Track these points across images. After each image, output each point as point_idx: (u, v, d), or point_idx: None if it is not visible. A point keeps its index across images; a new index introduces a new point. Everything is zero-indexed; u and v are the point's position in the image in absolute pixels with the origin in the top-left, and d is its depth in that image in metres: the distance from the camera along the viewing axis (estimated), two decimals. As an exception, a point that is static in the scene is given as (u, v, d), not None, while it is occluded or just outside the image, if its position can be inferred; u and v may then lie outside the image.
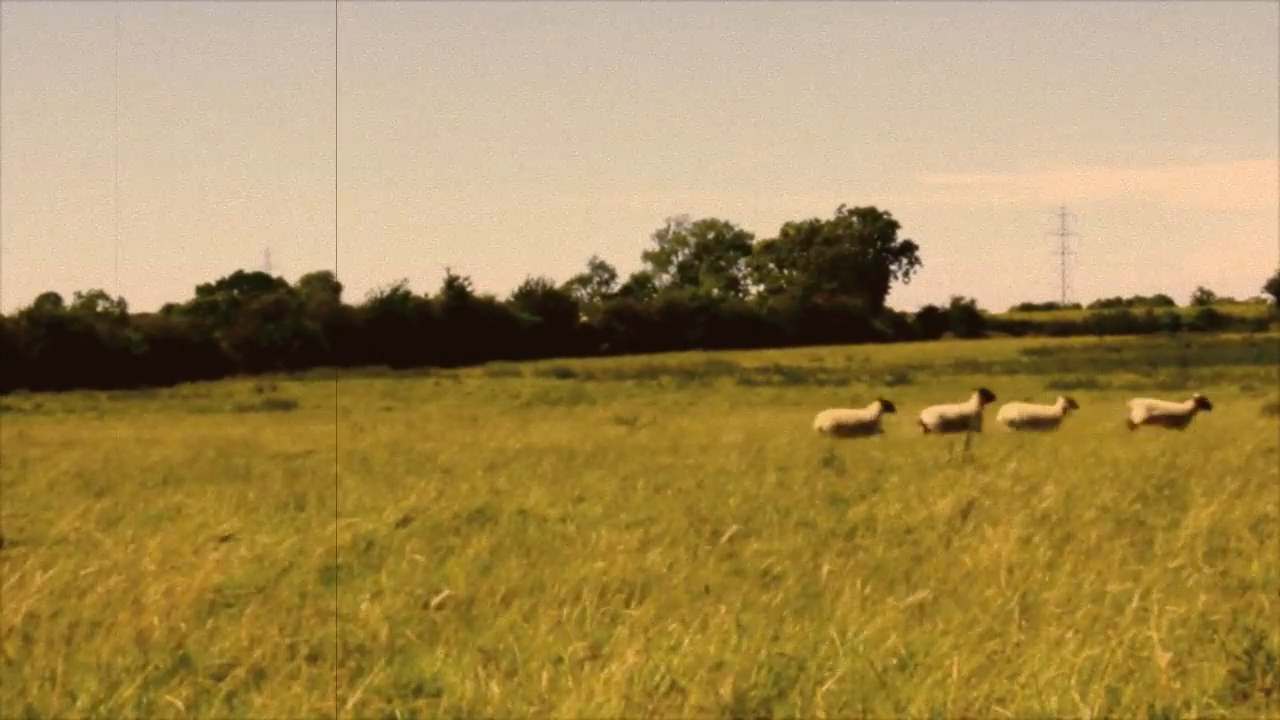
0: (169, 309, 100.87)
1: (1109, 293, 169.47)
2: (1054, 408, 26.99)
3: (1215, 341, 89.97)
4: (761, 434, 26.10)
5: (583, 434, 27.67)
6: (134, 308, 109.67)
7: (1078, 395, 37.48)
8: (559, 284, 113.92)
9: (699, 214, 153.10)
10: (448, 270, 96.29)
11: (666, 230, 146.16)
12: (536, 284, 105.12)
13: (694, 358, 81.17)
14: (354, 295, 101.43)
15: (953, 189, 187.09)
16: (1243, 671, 7.07)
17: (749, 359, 77.58)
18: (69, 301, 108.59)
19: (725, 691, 6.83)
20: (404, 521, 12.73)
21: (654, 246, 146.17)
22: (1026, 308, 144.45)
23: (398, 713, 6.84)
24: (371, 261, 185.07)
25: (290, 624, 8.41)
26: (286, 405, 51.47)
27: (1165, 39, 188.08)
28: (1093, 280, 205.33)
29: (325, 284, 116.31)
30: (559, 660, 7.45)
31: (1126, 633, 7.61)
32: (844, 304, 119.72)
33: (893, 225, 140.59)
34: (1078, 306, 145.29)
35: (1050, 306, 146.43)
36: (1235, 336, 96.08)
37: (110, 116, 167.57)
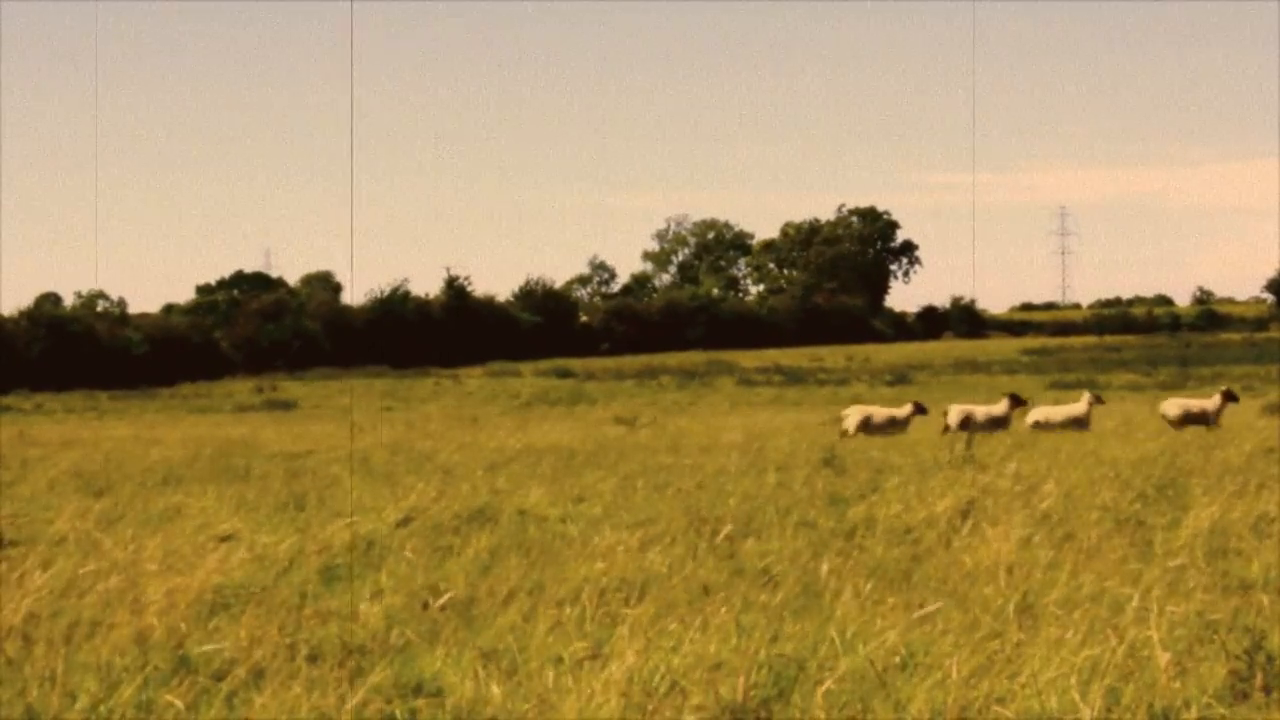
0: (169, 309, 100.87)
1: (1109, 293, 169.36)
2: (1080, 406, 26.89)
3: (1215, 341, 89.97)
4: (761, 434, 26.09)
5: (583, 434, 27.67)
6: (134, 308, 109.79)
7: (1077, 396, 37.44)
8: (559, 284, 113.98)
9: (699, 214, 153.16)
10: (448, 270, 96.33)
11: (666, 230, 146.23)
12: (536, 284, 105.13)
13: (694, 358, 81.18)
14: (354, 295, 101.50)
15: (953, 189, 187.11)
16: (1243, 671, 7.07)
17: (749, 359, 77.58)
18: (69, 301, 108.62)
19: (725, 691, 6.83)
20: (404, 521, 12.73)
21: (654, 246, 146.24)
22: (1026, 308, 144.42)
23: (398, 713, 6.84)
24: (371, 262, 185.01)
25: (290, 624, 8.41)
26: (286, 405, 51.48)
27: (1165, 39, 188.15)
28: (1093, 280, 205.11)
29: (325, 284, 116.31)
30: (559, 660, 7.45)
31: (1126, 633, 7.61)
32: (844, 304, 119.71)
33: (893, 225, 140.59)
34: (1078, 306, 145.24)
35: (1050, 306, 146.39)
36: (1235, 336, 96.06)
37: (111, 117, 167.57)
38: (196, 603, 8.97)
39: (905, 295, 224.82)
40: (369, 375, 69.74)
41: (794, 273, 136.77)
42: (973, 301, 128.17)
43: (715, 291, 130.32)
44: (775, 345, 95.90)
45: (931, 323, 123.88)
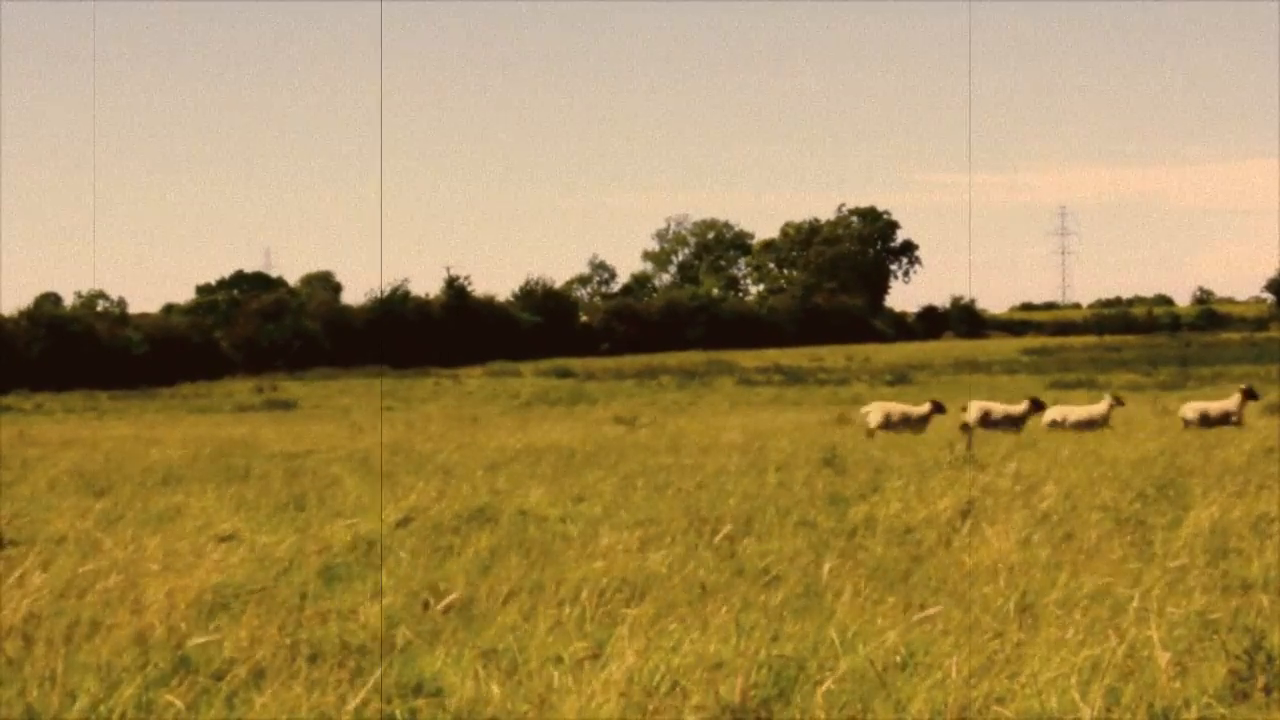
0: (169, 309, 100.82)
1: (1109, 292, 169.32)
2: (1100, 406, 26.89)
3: (1215, 341, 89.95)
4: (761, 434, 26.09)
5: (583, 434, 27.67)
6: (134, 307, 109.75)
7: (1078, 395, 37.52)
8: (559, 284, 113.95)
9: (699, 213, 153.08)
10: (448, 270, 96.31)
11: (666, 230, 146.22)
12: (536, 284, 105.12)
13: (694, 357, 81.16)
14: (354, 295, 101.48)
15: (953, 189, 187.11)
16: (1243, 671, 7.07)
17: (749, 359, 77.58)
18: (69, 301, 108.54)
19: (725, 691, 6.83)
20: (404, 521, 12.73)
21: (654, 246, 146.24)
22: (1026, 307, 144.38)
23: (398, 712, 6.84)
24: (371, 262, 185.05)
25: (290, 624, 8.41)
26: (286, 405, 51.48)
27: (1165, 39, 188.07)
28: (1093, 280, 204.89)
29: (325, 284, 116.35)
30: (559, 660, 7.45)
31: (1127, 632, 7.61)
32: (844, 304, 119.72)
33: (893, 225, 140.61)
34: (1078, 306, 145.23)
35: (1050, 306, 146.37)
36: (1235, 336, 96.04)
37: (110, 116, 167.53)
38: (196, 603, 8.97)
39: (905, 295, 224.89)
40: (369, 375, 69.74)
41: (794, 273, 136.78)
42: (973, 301, 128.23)
43: (715, 291, 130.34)
44: (775, 345, 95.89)
45: (931, 323, 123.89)
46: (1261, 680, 7.00)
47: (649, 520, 12.37)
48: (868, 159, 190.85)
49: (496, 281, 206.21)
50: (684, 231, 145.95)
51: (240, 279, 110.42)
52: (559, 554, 10.73)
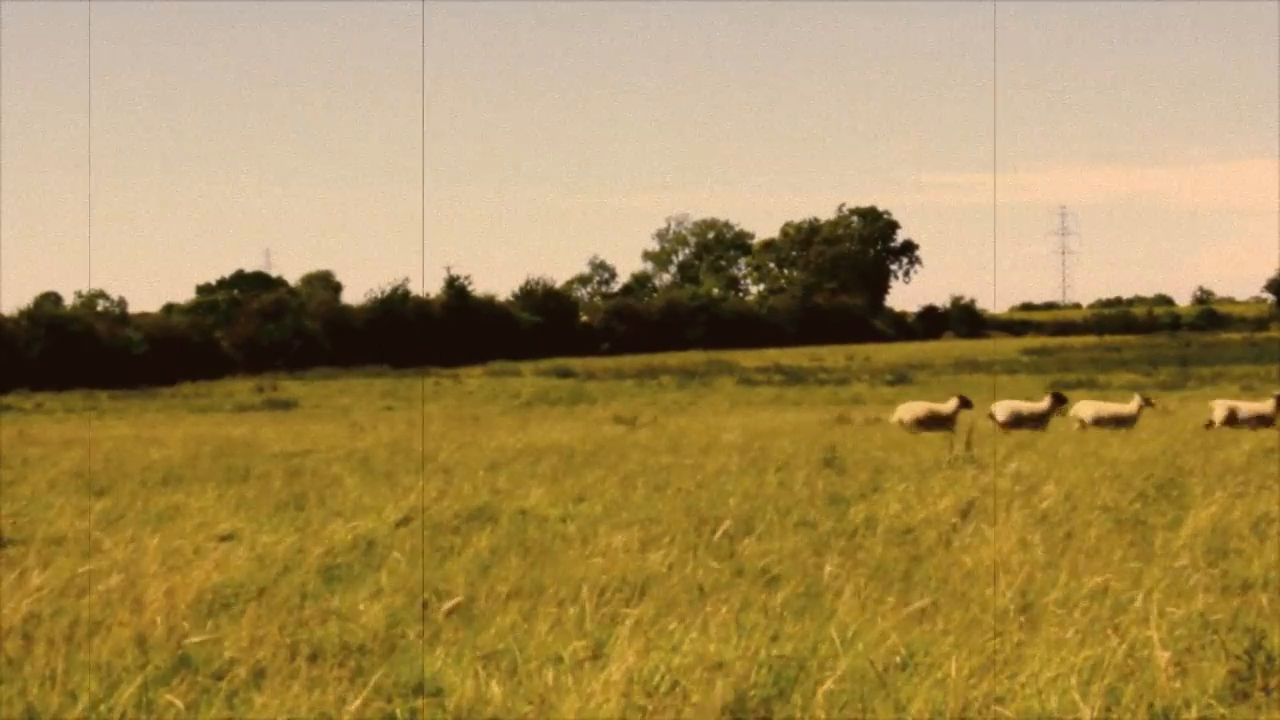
0: (169, 308, 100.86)
1: (1109, 292, 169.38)
2: (1130, 406, 26.89)
3: (1215, 341, 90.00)
4: (762, 434, 26.09)
5: (583, 433, 27.67)
6: (134, 307, 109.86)
7: (1078, 395, 37.48)
8: (559, 283, 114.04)
9: (699, 213, 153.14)
10: (448, 270, 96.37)
11: (667, 230, 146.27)
12: (537, 283, 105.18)
13: (694, 357, 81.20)
14: (354, 295, 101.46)
15: (953, 188, 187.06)
16: (1243, 671, 7.07)
17: (749, 358, 77.60)
18: (69, 301, 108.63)
19: (725, 691, 6.83)
20: (404, 521, 12.73)
21: (654, 246, 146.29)
22: (1026, 307, 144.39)
23: (398, 712, 6.84)
24: (371, 261, 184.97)
25: (290, 624, 8.41)
26: (287, 405, 51.51)
27: (1165, 39, 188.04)
28: (1093, 280, 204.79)
29: (325, 284, 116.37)
30: (559, 660, 7.45)
31: (1127, 632, 7.61)
32: (844, 304, 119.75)
33: (893, 225, 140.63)
34: (1078, 306, 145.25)
35: (1050, 306, 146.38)
36: (1235, 336, 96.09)
37: (110, 116, 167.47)
38: (197, 602, 8.97)
39: (905, 295, 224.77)
40: (369, 375, 69.76)
41: (794, 273, 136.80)
42: (973, 301, 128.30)
43: (715, 291, 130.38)
44: (775, 345, 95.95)
45: (932, 322, 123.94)
46: (1261, 680, 7.01)
47: (649, 520, 12.37)
48: (868, 159, 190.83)
49: (497, 281, 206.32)
50: (684, 231, 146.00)
51: (240, 279, 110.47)
52: (559, 554, 10.73)
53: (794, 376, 63.14)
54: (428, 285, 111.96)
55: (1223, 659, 7.23)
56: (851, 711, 6.73)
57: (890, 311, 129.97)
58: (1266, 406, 26.44)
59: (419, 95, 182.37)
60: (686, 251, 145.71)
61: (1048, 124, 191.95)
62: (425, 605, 8.94)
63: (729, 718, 6.70)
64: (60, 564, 10.33)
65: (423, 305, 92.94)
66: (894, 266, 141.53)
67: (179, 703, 6.87)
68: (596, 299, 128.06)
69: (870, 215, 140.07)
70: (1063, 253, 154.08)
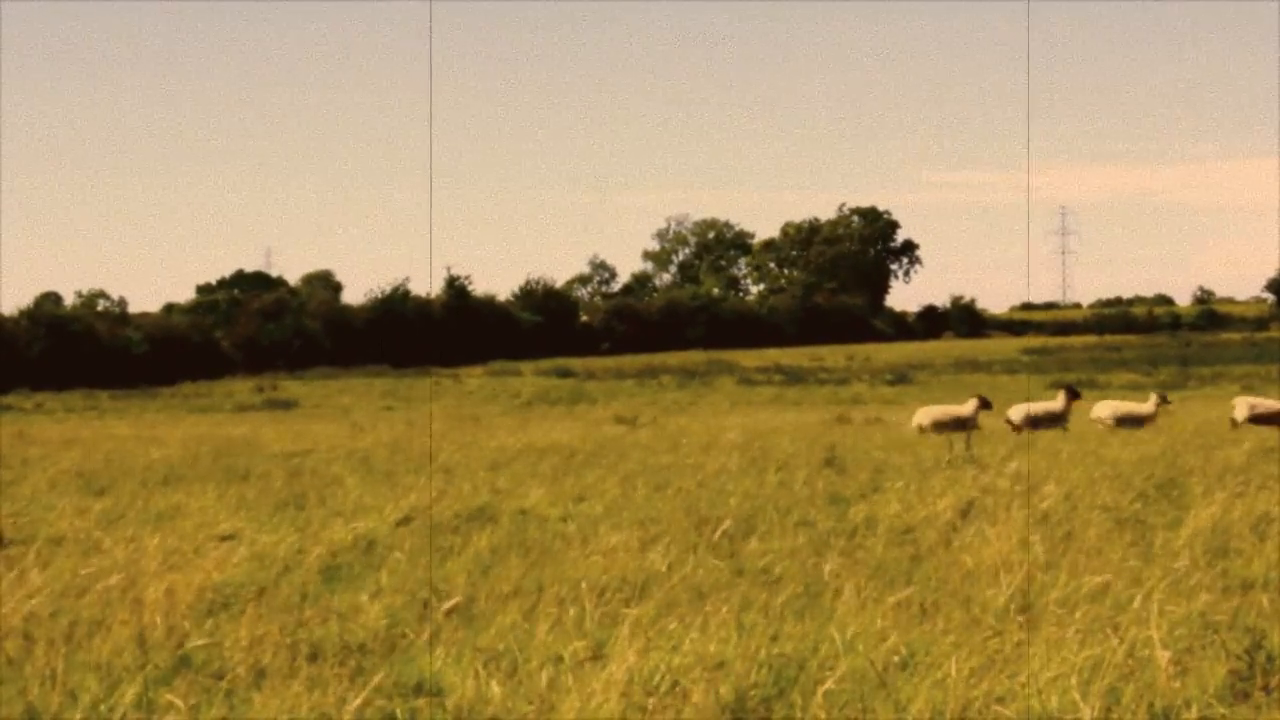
0: (169, 308, 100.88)
1: (1109, 292, 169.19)
2: (1148, 405, 26.85)
3: (1215, 341, 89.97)
4: (762, 433, 26.09)
5: (583, 433, 27.67)
6: (134, 307, 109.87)
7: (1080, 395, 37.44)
8: (559, 283, 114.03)
9: (699, 213, 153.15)
10: (448, 270, 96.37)
11: (667, 229, 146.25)
12: (537, 283, 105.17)
13: (694, 357, 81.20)
14: (354, 295, 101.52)
15: (953, 188, 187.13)
16: (1243, 671, 7.07)
17: (749, 358, 77.60)
18: (69, 301, 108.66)
19: (725, 691, 6.83)
20: (404, 521, 12.74)
21: (654, 246, 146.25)
22: (1027, 307, 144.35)
23: (398, 712, 6.84)
24: (371, 261, 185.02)
25: (290, 623, 8.41)
26: (287, 405, 51.51)
27: (1166, 38, 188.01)
28: (1093, 280, 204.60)
29: (325, 283, 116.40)
30: (559, 660, 7.45)
31: (1127, 632, 7.61)
32: (844, 303, 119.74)
33: (893, 225, 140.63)
34: (1078, 306, 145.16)
35: (1050, 306, 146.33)
36: (1235, 336, 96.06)
37: (111, 116, 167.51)
38: (197, 602, 8.97)
39: (906, 295, 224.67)
40: (369, 375, 69.77)
41: (794, 272, 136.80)
42: (973, 301, 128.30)
43: (716, 291, 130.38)
44: (776, 345, 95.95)
45: (932, 322, 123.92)
46: (1262, 680, 7.01)
47: (649, 520, 12.37)
48: (868, 159, 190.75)
49: (497, 281, 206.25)
50: (684, 231, 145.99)
51: (241, 278, 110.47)
52: (559, 553, 10.73)
53: (794, 376, 63.14)
54: (428, 285, 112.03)
55: (1223, 659, 7.23)
56: (851, 711, 6.73)
57: (890, 311, 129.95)
58: None
59: (419, 95, 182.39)
60: (687, 251, 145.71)
61: (1048, 124, 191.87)
62: (426, 605, 8.94)
63: (729, 717, 6.70)
64: (60, 564, 10.33)
65: (423, 305, 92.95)
66: (894, 266, 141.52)
67: (179, 702, 6.87)
68: (597, 299, 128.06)
69: (870, 215, 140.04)
70: (1063, 252, 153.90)
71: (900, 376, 61.20)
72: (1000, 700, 6.77)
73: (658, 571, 9.81)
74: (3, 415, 44.43)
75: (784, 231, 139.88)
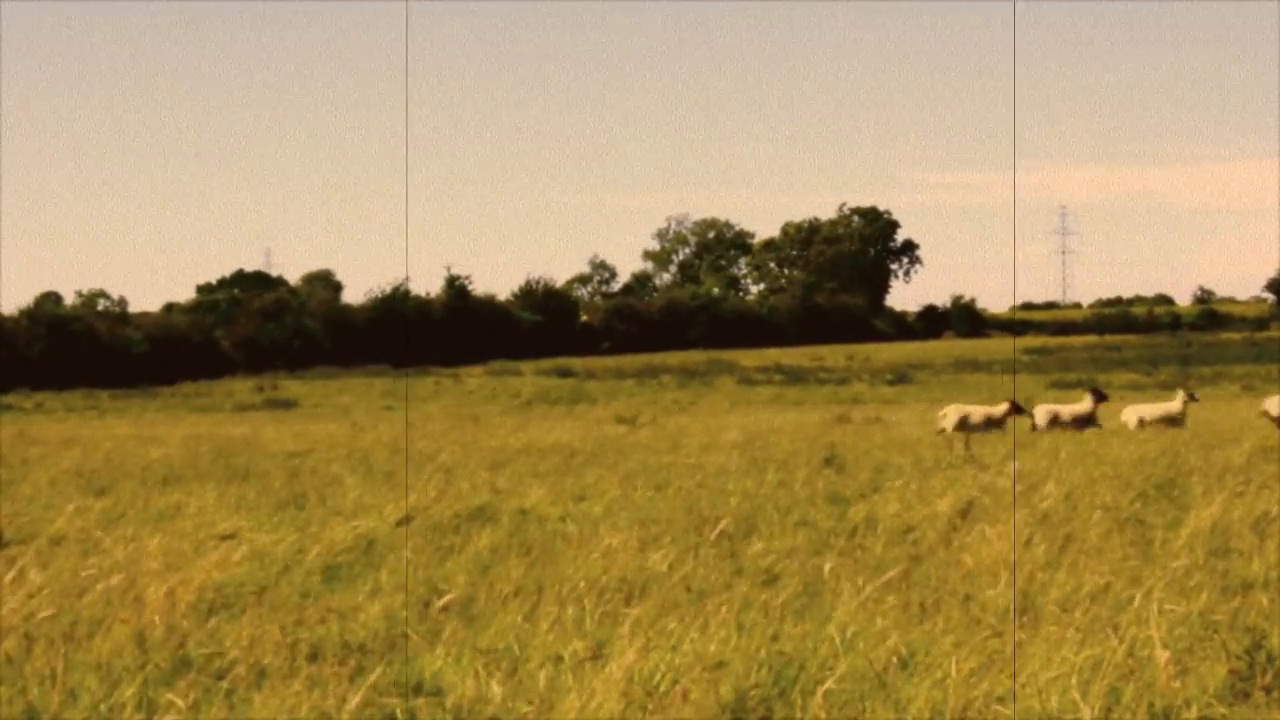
0: (169, 308, 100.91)
1: (1109, 292, 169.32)
2: (1174, 403, 26.78)
3: (1216, 341, 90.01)
4: (762, 433, 26.10)
5: (583, 433, 27.67)
6: (134, 306, 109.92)
7: (1079, 395, 37.44)
8: (560, 283, 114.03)
9: (699, 213, 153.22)
10: (448, 269, 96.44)
11: (667, 229, 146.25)
12: (537, 283, 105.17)
13: (694, 357, 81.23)
14: (354, 295, 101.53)
15: (953, 188, 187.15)
16: (1243, 671, 7.07)
17: (749, 358, 77.61)
18: (69, 300, 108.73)
19: (725, 691, 6.83)
20: (404, 520, 12.73)
21: (654, 245, 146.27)
22: (1027, 307, 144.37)
23: (398, 712, 6.84)
24: (371, 261, 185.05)
25: (291, 623, 8.41)
26: (287, 404, 51.55)
27: (1166, 38, 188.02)
28: (1093, 279, 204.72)
29: (325, 283, 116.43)
30: (559, 659, 7.45)
31: (1127, 632, 7.61)
32: (845, 303, 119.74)
33: (893, 225, 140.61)
34: (1078, 306, 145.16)
35: (1051, 306, 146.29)
36: (1236, 336, 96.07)
37: (111, 115, 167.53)
38: (197, 601, 8.97)
39: (906, 294, 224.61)
40: (369, 374, 69.79)
41: (794, 272, 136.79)
42: (973, 301, 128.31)
43: (716, 291, 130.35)
44: (776, 344, 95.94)
45: (932, 322, 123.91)
46: (1262, 680, 7.00)
47: (649, 519, 12.37)
48: (868, 159, 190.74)
49: (497, 281, 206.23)
50: (684, 231, 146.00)
51: (241, 278, 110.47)
52: (559, 553, 10.73)
53: (794, 376, 63.17)
54: (428, 285, 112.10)
55: (1223, 659, 7.23)
56: (851, 711, 6.73)
57: (890, 311, 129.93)
58: None
59: (420, 95, 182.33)
60: (687, 251, 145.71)
61: (1048, 124, 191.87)
62: (427, 605, 8.94)
63: (729, 717, 6.70)
64: (60, 563, 10.33)
65: (423, 305, 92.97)
66: (894, 266, 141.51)
67: (179, 702, 6.87)
68: (597, 298, 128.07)
69: (871, 215, 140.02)
70: (1063, 252, 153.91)
71: (900, 376, 61.23)
72: (1000, 700, 6.77)
73: (658, 571, 9.80)
74: (3, 415, 44.44)
75: (784, 231, 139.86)
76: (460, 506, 13.45)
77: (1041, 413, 26.34)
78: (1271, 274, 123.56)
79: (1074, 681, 6.84)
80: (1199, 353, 75.79)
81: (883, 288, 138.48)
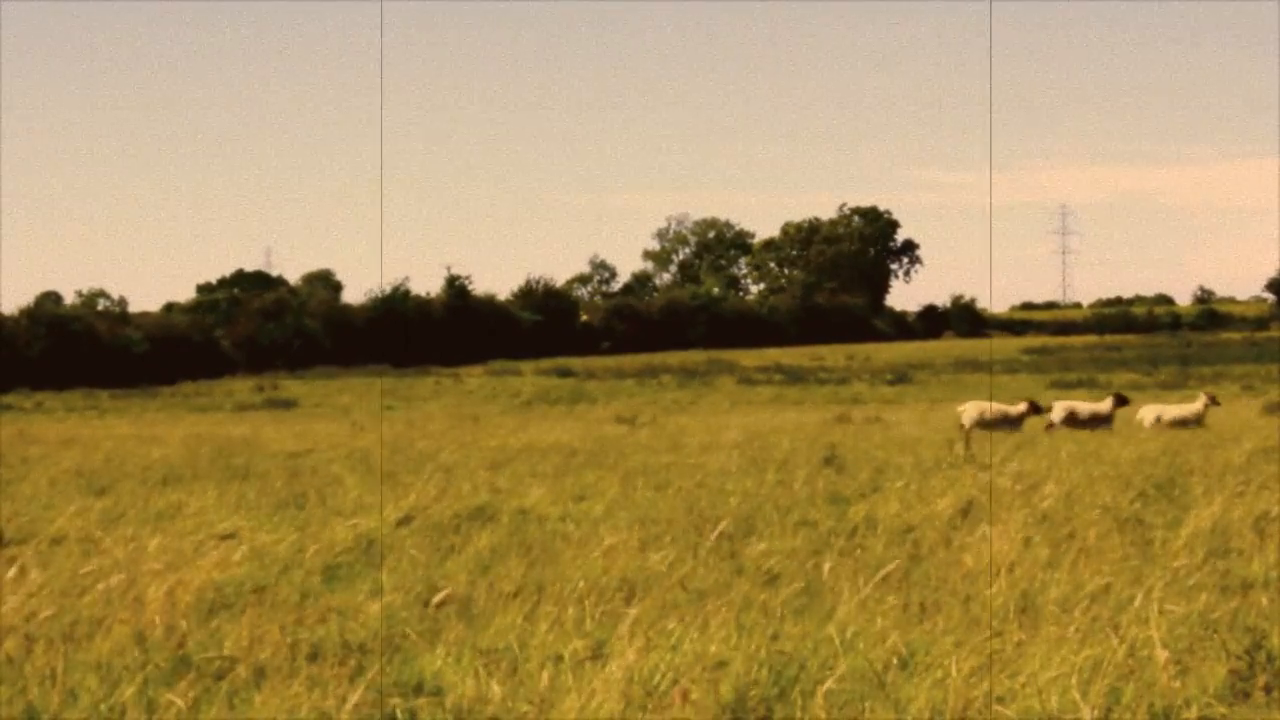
0: (170, 307, 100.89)
1: (1109, 292, 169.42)
2: (1195, 405, 26.84)
3: (1216, 340, 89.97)
4: (762, 433, 26.09)
5: (583, 433, 27.67)
6: (135, 306, 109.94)
7: (1078, 394, 37.49)
8: (560, 283, 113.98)
9: (699, 213, 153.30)
10: (448, 269, 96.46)
11: (667, 229, 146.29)
12: (537, 283, 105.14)
13: (695, 357, 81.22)
14: (354, 294, 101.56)
15: (953, 188, 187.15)
16: (1243, 670, 7.07)
17: (750, 358, 77.60)
18: (69, 300, 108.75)
19: (725, 691, 6.83)
20: (405, 520, 12.73)
21: (655, 245, 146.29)
22: (1027, 307, 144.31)
23: (398, 712, 6.84)
24: (371, 261, 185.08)
25: (291, 623, 8.41)
26: (287, 404, 51.51)
27: (1165, 38, 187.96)
28: (1093, 279, 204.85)
29: (326, 283, 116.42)
30: (559, 659, 7.45)
31: (1127, 632, 7.61)
32: (845, 303, 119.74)
33: (893, 224, 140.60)
34: (1078, 305, 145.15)
35: (1051, 305, 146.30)
36: (1236, 335, 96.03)
37: (111, 115, 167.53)
38: (197, 601, 8.97)
39: (906, 294, 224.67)
40: (370, 374, 69.77)
41: (795, 272, 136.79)
42: (973, 300, 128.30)
43: (716, 290, 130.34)
44: (776, 344, 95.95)
45: (932, 322, 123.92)
46: (1262, 680, 7.00)
47: (649, 519, 12.37)
48: (868, 159, 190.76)
49: (497, 281, 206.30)
50: (684, 231, 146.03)
51: (241, 278, 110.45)
52: (559, 553, 10.73)
53: (794, 376, 63.15)
54: (428, 285, 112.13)
55: (1223, 658, 7.23)
56: (852, 711, 6.73)
57: (891, 311, 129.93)
58: None
59: (420, 95, 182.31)
60: (687, 251, 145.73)
61: (1048, 123, 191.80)
62: (427, 605, 8.94)
63: (729, 717, 6.70)
64: (61, 563, 10.33)
65: (423, 304, 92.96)
66: (894, 266, 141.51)
67: (180, 702, 6.87)
68: (597, 298, 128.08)
69: (871, 215, 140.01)
70: (1063, 252, 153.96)
71: (900, 376, 61.20)
72: (1001, 700, 6.77)
73: (658, 571, 9.81)
74: (3, 414, 44.44)
75: (784, 231, 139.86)
76: (460, 506, 13.45)
77: (1059, 409, 26.48)
78: (1271, 274, 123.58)
79: (1074, 681, 6.84)
80: (1199, 353, 75.76)
81: (883, 288, 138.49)
